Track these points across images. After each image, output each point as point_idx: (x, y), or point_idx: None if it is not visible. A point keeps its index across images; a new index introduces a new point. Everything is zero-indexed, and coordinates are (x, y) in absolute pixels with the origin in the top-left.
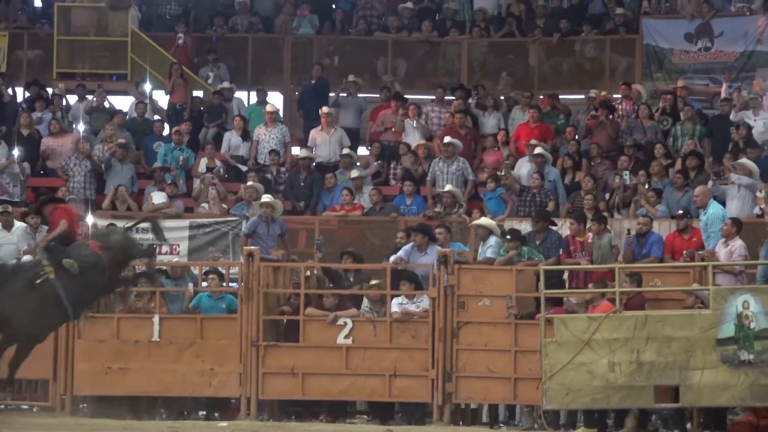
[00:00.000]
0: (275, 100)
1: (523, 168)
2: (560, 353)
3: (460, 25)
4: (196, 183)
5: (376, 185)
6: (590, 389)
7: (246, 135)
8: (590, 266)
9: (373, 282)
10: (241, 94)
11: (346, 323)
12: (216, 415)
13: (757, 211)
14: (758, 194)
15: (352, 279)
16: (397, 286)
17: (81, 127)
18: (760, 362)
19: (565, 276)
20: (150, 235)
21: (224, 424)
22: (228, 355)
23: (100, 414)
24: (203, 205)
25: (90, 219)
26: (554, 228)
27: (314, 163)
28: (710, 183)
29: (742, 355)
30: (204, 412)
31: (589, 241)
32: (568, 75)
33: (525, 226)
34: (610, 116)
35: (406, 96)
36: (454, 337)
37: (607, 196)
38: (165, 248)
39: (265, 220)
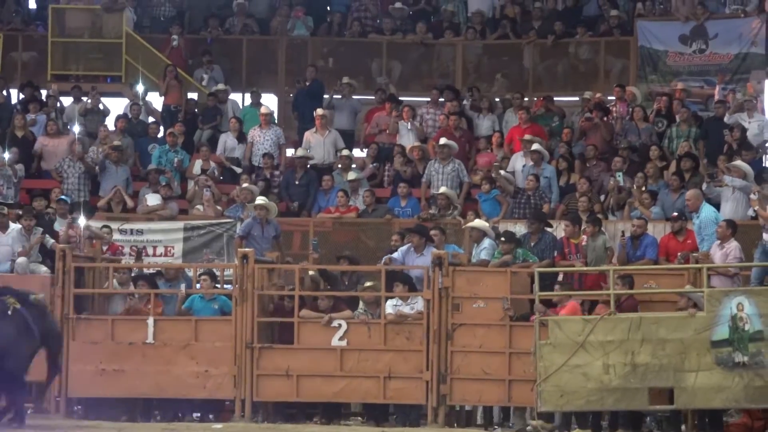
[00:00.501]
0: (270, 101)
1: (518, 163)
2: (555, 355)
3: (455, 27)
4: (191, 185)
5: (371, 187)
6: (585, 391)
7: (242, 137)
8: (585, 268)
9: (368, 284)
10: (235, 96)
11: (340, 325)
12: (210, 416)
13: (751, 213)
14: (752, 196)
15: (347, 282)
16: (390, 287)
17: (76, 128)
18: (754, 364)
19: (560, 278)
20: (144, 237)
21: (219, 425)
22: (222, 356)
23: (94, 416)
24: (198, 206)
25: (82, 221)
26: (549, 230)
27: (309, 164)
28: (704, 185)
29: (737, 357)
30: (198, 414)
31: (584, 243)
32: (563, 77)
33: (520, 228)
34: (605, 118)
35: (400, 98)
36: (449, 338)
37: (601, 198)
38: (160, 250)
39: (260, 222)
